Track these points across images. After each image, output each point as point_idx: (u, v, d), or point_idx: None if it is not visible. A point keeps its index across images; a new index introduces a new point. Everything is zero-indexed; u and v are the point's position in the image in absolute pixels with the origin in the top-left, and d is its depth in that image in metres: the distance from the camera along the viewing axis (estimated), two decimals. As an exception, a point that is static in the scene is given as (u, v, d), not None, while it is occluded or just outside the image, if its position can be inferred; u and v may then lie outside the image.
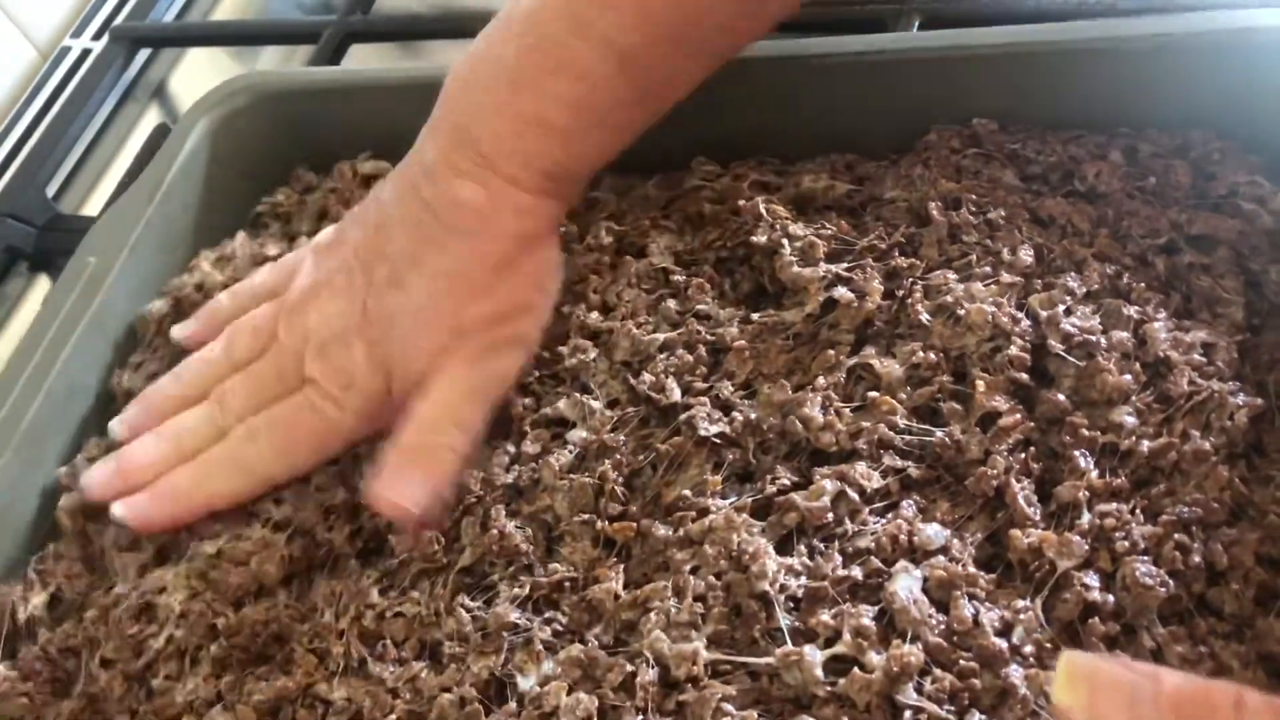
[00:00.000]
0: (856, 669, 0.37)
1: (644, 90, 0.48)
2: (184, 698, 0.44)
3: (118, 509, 0.48)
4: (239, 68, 0.61)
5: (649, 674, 0.39)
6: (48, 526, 0.52)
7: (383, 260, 0.48)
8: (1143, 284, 0.45)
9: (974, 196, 0.48)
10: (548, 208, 0.49)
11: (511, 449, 0.47)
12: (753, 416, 0.44)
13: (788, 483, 0.42)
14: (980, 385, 0.42)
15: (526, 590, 0.42)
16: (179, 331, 0.55)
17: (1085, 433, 0.41)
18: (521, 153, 0.47)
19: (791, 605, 0.39)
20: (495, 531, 0.44)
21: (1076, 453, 0.40)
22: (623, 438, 0.45)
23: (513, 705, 0.40)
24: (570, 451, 0.46)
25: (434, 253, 0.48)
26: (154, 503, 0.48)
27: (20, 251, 0.72)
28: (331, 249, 0.52)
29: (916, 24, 0.64)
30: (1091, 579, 0.37)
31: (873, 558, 0.39)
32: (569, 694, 0.39)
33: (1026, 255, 0.46)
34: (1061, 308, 0.44)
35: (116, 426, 0.52)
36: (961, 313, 0.44)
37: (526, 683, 0.40)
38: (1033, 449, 0.41)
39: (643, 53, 0.46)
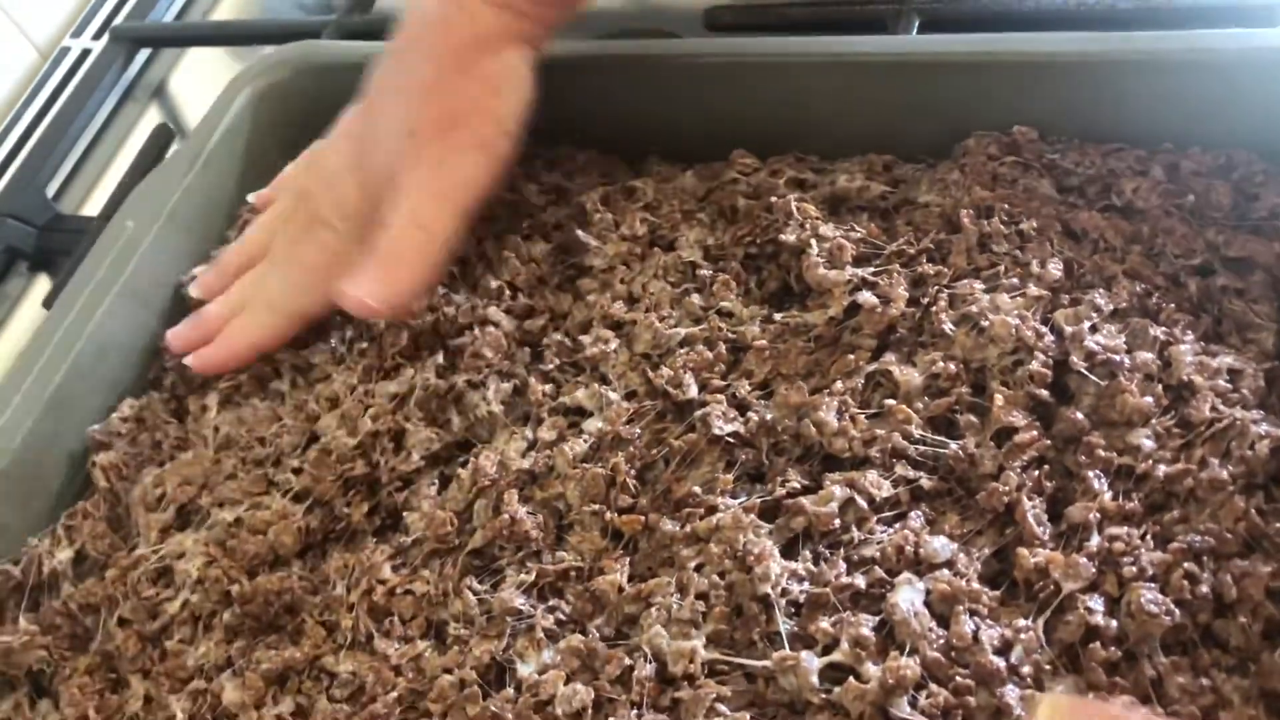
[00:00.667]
0: (852, 678, 0.37)
1: None
2: (195, 661, 0.45)
3: (190, 359, 0.54)
4: (239, 67, 0.62)
5: (646, 669, 0.39)
6: (78, 484, 0.53)
7: (367, 104, 0.53)
8: (1172, 305, 0.44)
9: (1007, 206, 0.48)
10: (506, 18, 0.50)
11: (529, 434, 0.48)
12: (768, 417, 0.44)
13: (798, 486, 0.42)
14: (999, 399, 0.42)
15: (533, 577, 0.43)
16: (195, 288, 0.57)
17: (1101, 453, 0.40)
18: None
19: (792, 610, 0.39)
20: (507, 516, 0.44)
21: (1091, 473, 0.40)
22: (638, 430, 0.45)
23: (510, 691, 0.40)
24: (585, 441, 0.46)
25: (396, 69, 0.52)
26: (214, 349, 0.54)
27: (20, 251, 0.73)
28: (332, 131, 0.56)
29: (916, 24, 0.64)
30: (1096, 602, 0.37)
31: (877, 567, 0.39)
32: (566, 683, 0.39)
33: (1056, 269, 0.45)
34: (1087, 324, 0.43)
35: (193, 288, 0.57)
36: (985, 324, 0.44)
37: (526, 669, 0.40)
38: (1047, 467, 0.41)
39: None
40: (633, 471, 0.44)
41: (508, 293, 0.52)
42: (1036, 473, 0.41)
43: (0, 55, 0.86)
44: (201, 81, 0.85)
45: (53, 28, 0.89)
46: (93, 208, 0.77)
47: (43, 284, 0.73)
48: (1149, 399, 0.41)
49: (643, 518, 0.43)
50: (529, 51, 0.52)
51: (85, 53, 0.87)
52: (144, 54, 0.86)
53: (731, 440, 0.44)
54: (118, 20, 0.88)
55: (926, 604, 0.38)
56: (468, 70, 0.50)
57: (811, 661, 0.37)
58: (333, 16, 0.80)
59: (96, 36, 0.88)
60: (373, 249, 0.49)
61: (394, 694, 0.41)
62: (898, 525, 0.40)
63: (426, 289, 0.50)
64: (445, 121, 0.49)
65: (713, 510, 0.42)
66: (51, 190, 0.78)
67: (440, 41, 0.50)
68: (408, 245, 0.49)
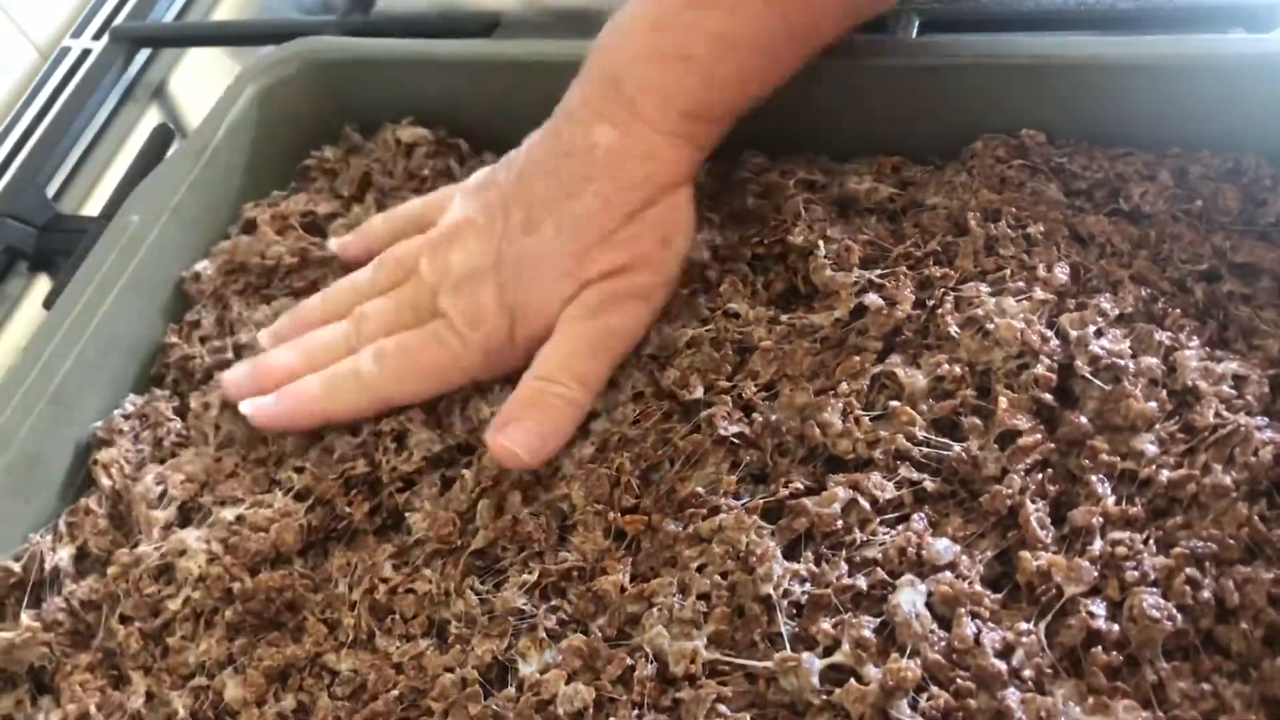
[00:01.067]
0: (853, 680, 0.37)
1: (789, 24, 0.47)
2: (196, 658, 0.45)
3: (246, 406, 0.51)
4: (239, 68, 0.62)
5: (648, 669, 0.39)
6: (81, 479, 0.53)
7: (521, 205, 0.49)
8: (1178, 310, 0.44)
9: (1014, 209, 0.48)
10: (683, 153, 0.48)
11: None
12: (773, 418, 0.44)
13: (801, 487, 0.42)
14: (1003, 402, 0.42)
15: (535, 577, 0.43)
16: (335, 243, 0.57)
17: (1105, 457, 0.40)
18: (661, 90, 0.47)
19: (794, 611, 0.39)
20: (510, 517, 0.44)
21: (1094, 477, 0.40)
22: (643, 431, 0.45)
23: (512, 690, 0.40)
24: (591, 443, 0.46)
25: (566, 198, 0.48)
26: (278, 404, 0.50)
27: (20, 251, 0.73)
28: (479, 191, 0.53)
29: (916, 24, 0.64)
30: (1098, 607, 0.37)
31: (879, 569, 0.39)
32: (567, 683, 0.39)
33: (1062, 273, 0.45)
34: (1092, 329, 0.43)
35: (264, 337, 0.54)
36: (991, 327, 0.43)
37: (527, 668, 0.40)
38: (1050, 470, 0.41)
39: None
40: (637, 472, 0.44)
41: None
42: (1040, 476, 0.41)
43: (0, 55, 0.85)
44: (201, 81, 0.84)
45: (53, 28, 0.89)
46: (93, 208, 0.76)
47: (43, 284, 0.73)
48: (1153, 404, 0.41)
49: (646, 518, 0.43)
50: (692, 189, 0.50)
51: (85, 53, 0.86)
52: (144, 54, 0.86)
53: (736, 441, 0.44)
54: (118, 20, 0.88)
55: (928, 606, 0.38)
56: (639, 215, 0.48)
57: (812, 663, 0.37)
58: (333, 17, 0.81)
59: (96, 36, 0.88)
60: (523, 397, 0.47)
61: (395, 692, 0.41)
62: (900, 527, 0.40)
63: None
64: (615, 270, 0.48)
65: (716, 511, 0.42)
66: (51, 190, 0.78)
67: (617, 183, 0.47)
68: (561, 398, 0.46)
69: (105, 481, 0.52)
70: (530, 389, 0.47)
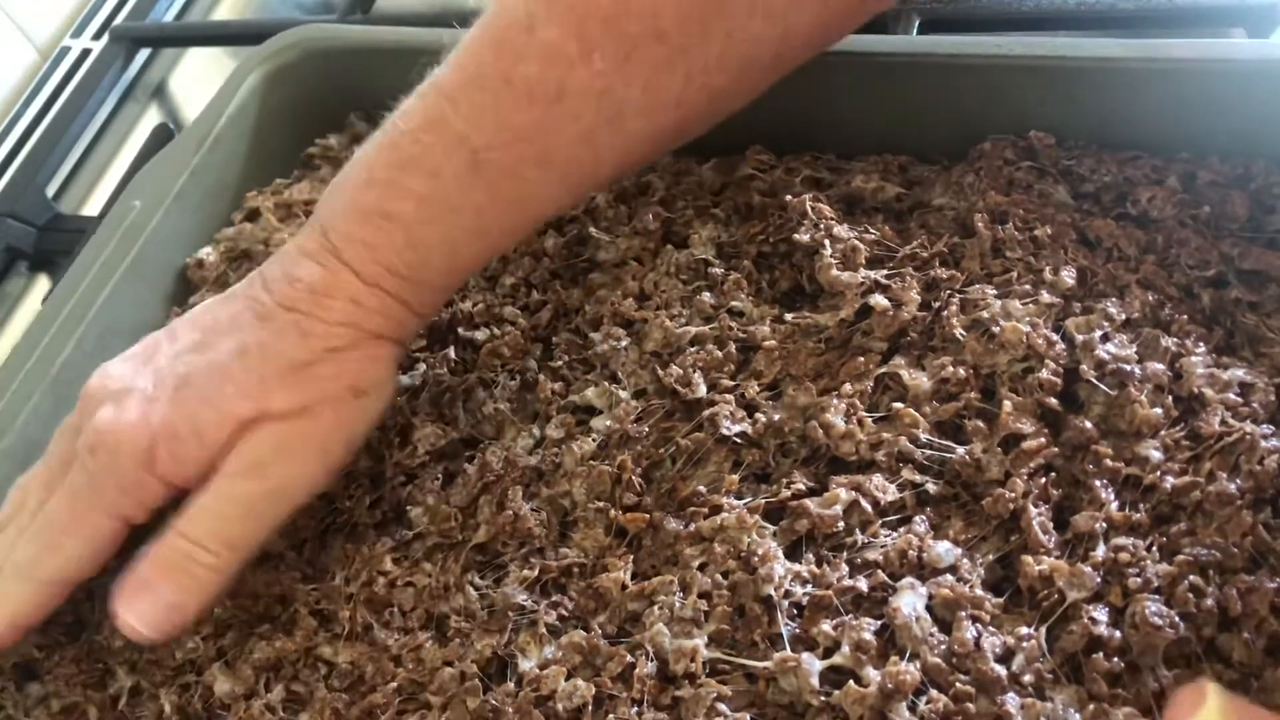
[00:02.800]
0: (852, 682, 0.37)
1: (497, 195, 0.44)
2: (184, 654, 0.45)
3: None
4: None
5: (648, 666, 0.39)
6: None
7: (197, 329, 0.45)
8: (1185, 316, 0.44)
9: (1021, 211, 0.47)
10: (391, 308, 0.45)
11: (537, 432, 0.48)
12: (775, 418, 0.44)
13: (803, 488, 0.42)
14: (1007, 406, 0.42)
15: (536, 573, 0.43)
16: None
17: (1109, 463, 0.40)
18: (365, 243, 0.44)
19: (795, 611, 0.39)
20: (510, 512, 0.44)
21: (1098, 482, 0.40)
22: (646, 429, 0.45)
23: (511, 685, 0.40)
24: (593, 440, 0.46)
25: (257, 320, 0.44)
26: None
27: (20, 251, 0.73)
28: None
29: (916, 24, 0.64)
30: (1100, 613, 0.37)
31: (880, 571, 0.39)
32: (567, 679, 0.39)
33: (1069, 276, 0.45)
34: (1098, 333, 0.43)
35: None
36: (996, 330, 0.43)
37: (527, 664, 0.40)
38: (1054, 475, 0.41)
39: (498, 154, 0.43)
40: (639, 470, 0.44)
41: (522, 289, 0.52)
42: (1043, 480, 0.40)
43: (0, 55, 0.85)
44: (201, 81, 0.84)
45: (53, 28, 0.89)
46: (93, 208, 0.77)
47: (42, 284, 0.73)
48: (1158, 410, 0.41)
49: (647, 516, 0.43)
50: (398, 350, 0.46)
51: (85, 53, 0.86)
52: (144, 54, 0.86)
53: (738, 440, 0.44)
54: (118, 20, 0.88)
55: (929, 609, 0.38)
56: (335, 355, 0.43)
57: (812, 664, 0.37)
58: (333, 17, 0.80)
59: (96, 36, 0.88)
60: (162, 557, 0.42)
61: (393, 684, 0.41)
62: (902, 529, 0.40)
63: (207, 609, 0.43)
64: (296, 410, 0.43)
65: (717, 510, 0.42)
66: (51, 190, 0.78)
67: (315, 322, 0.43)
68: (205, 566, 0.42)
69: None
70: (172, 550, 0.42)
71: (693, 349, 0.47)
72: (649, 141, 0.47)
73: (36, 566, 0.44)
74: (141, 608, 0.42)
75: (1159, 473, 0.40)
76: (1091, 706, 0.35)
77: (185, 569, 0.42)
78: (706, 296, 0.49)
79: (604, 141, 0.45)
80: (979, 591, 0.38)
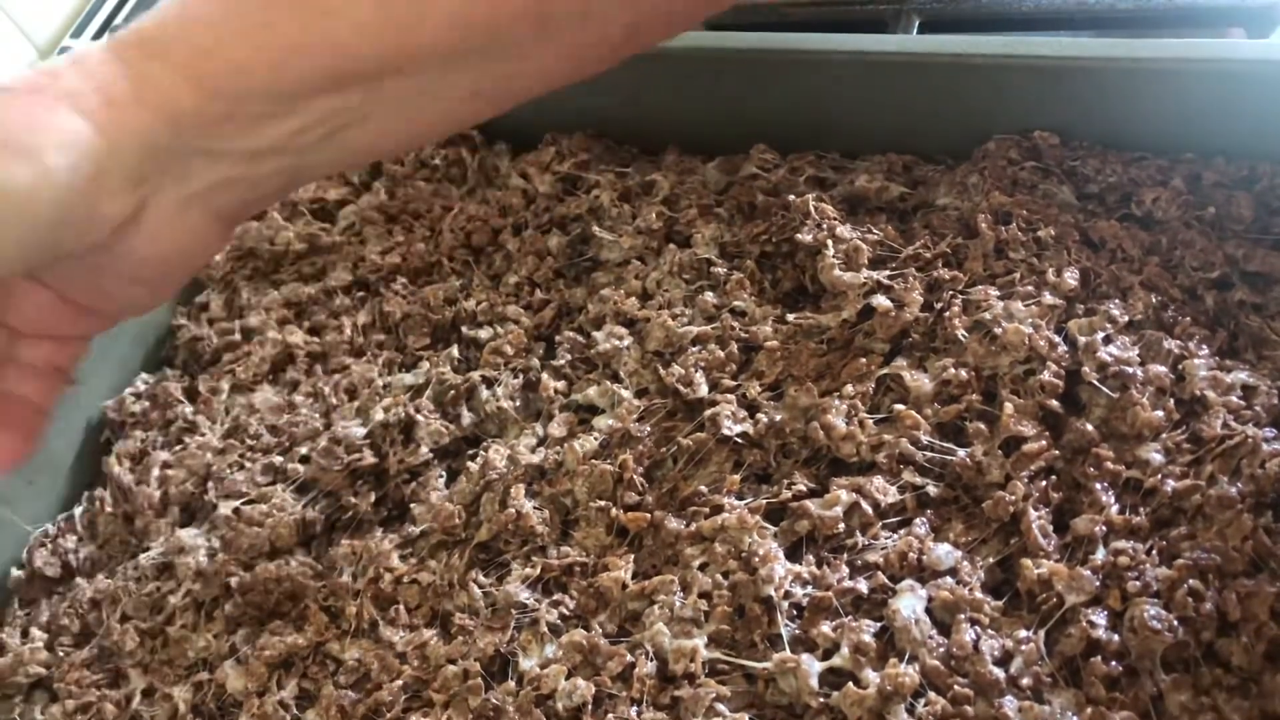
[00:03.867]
0: (851, 684, 0.37)
1: None
2: (196, 652, 0.45)
3: None
4: None
5: (648, 666, 0.39)
6: (86, 460, 0.53)
7: None
8: (1188, 318, 0.44)
9: (1025, 212, 0.47)
10: (94, 74, 0.35)
11: (540, 430, 0.48)
12: (776, 419, 0.44)
13: (804, 489, 0.42)
14: (1008, 408, 0.42)
15: (538, 571, 0.43)
16: None
17: (1110, 466, 0.40)
18: (130, 30, 0.36)
19: (794, 612, 0.39)
20: (513, 510, 0.44)
21: (1098, 485, 0.40)
22: (648, 428, 0.45)
23: (512, 684, 0.40)
24: (596, 438, 0.46)
25: None
26: None
27: None
28: None
29: (916, 24, 0.63)
30: (1099, 616, 0.37)
31: (880, 573, 0.39)
32: (567, 678, 0.39)
33: (1072, 278, 0.45)
34: (1101, 335, 0.43)
35: None
36: (999, 331, 0.43)
37: (528, 663, 0.41)
38: (1055, 477, 0.41)
39: None
40: (641, 469, 0.44)
41: (525, 288, 0.52)
42: (1044, 483, 0.40)
43: (0, 55, 0.85)
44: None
45: (53, 28, 0.89)
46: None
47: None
48: (1160, 413, 0.41)
49: (648, 515, 0.43)
50: (99, 141, 0.34)
51: (85, 53, 0.86)
52: (144, 54, 0.85)
53: (740, 441, 0.44)
54: (118, 20, 0.88)
55: (928, 611, 0.38)
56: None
57: (812, 665, 0.37)
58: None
59: (96, 36, 0.87)
60: None
61: (398, 681, 0.42)
62: (902, 531, 0.40)
63: None
64: None
65: (718, 510, 0.42)
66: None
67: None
68: None
69: (116, 470, 0.52)
70: None
71: (695, 349, 0.47)
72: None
73: None
74: None
75: (1160, 476, 0.39)
76: (1089, 710, 0.35)
77: None
78: (709, 296, 0.49)
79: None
80: (979, 594, 0.38)
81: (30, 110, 0.34)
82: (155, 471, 0.51)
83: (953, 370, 0.43)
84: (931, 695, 0.36)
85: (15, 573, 0.50)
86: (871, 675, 0.37)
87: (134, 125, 0.35)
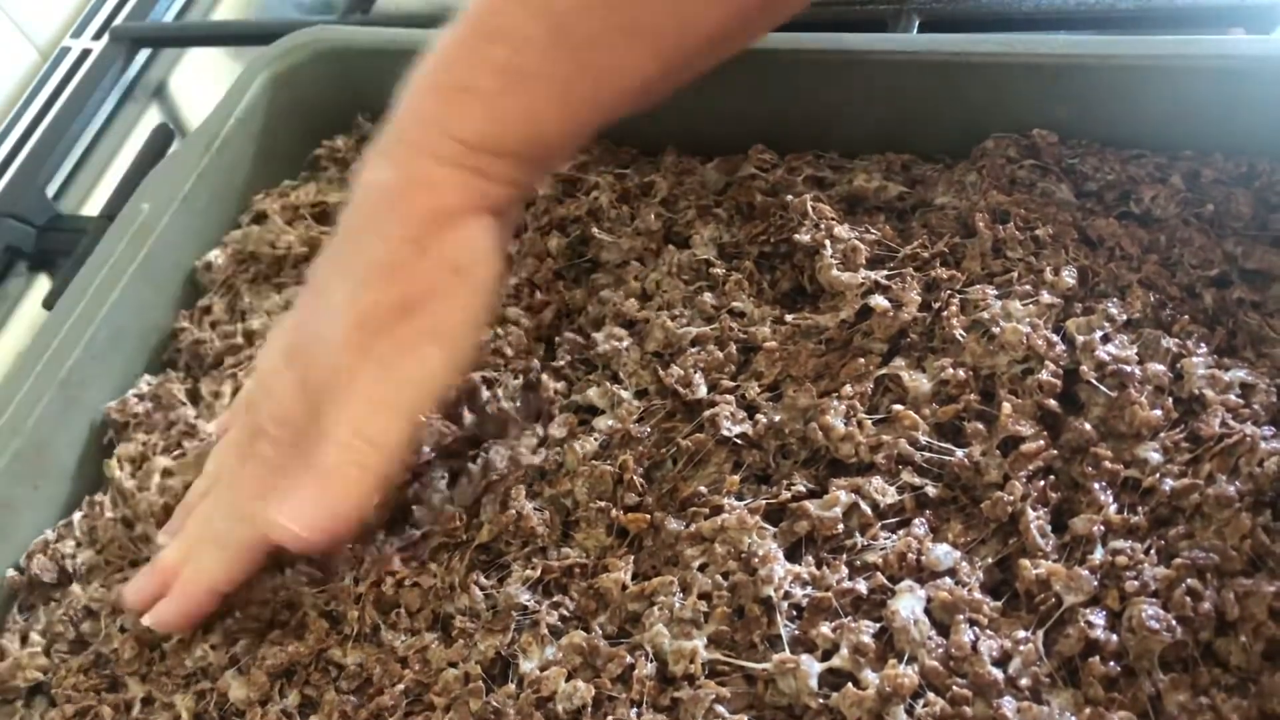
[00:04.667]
0: (851, 685, 0.37)
1: (582, 65, 0.43)
2: (195, 663, 0.45)
3: (148, 619, 0.45)
4: (239, 68, 0.62)
5: (647, 668, 0.39)
6: (89, 466, 0.53)
7: (314, 275, 0.46)
8: (1186, 316, 0.44)
9: (1023, 211, 0.47)
10: (470, 183, 0.43)
11: (541, 431, 0.48)
12: (776, 419, 0.44)
13: (803, 490, 0.42)
14: (1006, 408, 0.42)
15: (538, 572, 0.43)
16: (162, 536, 0.49)
17: (1108, 465, 0.40)
18: (438, 122, 0.43)
19: (794, 613, 0.39)
20: (514, 511, 0.45)
21: (1096, 485, 0.40)
22: (647, 429, 0.46)
23: (512, 686, 0.40)
24: (596, 439, 0.46)
25: (345, 250, 0.44)
26: (170, 604, 0.45)
27: (20, 251, 0.73)
28: None
29: (916, 24, 0.63)
30: (1097, 616, 0.37)
31: (879, 574, 0.39)
32: (567, 680, 0.40)
33: (1070, 277, 0.45)
34: (1099, 334, 0.43)
35: (161, 536, 0.49)
36: (996, 331, 0.43)
37: (528, 665, 0.41)
38: (1053, 477, 0.41)
39: (578, 20, 0.42)
40: (640, 470, 0.44)
41: (525, 290, 0.52)
42: (1042, 483, 0.40)
43: (0, 55, 0.85)
44: (201, 82, 0.85)
45: (53, 28, 0.89)
46: (93, 208, 0.77)
47: (42, 284, 0.73)
48: (1158, 411, 0.41)
49: (648, 516, 0.43)
50: (496, 221, 0.44)
51: (85, 53, 0.86)
52: (144, 54, 0.86)
53: (739, 441, 0.44)
54: (118, 20, 0.88)
55: (927, 612, 0.38)
56: (426, 249, 0.43)
57: (811, 666, 0.37)
58: (333, 17, 0.81)
59: (96, 36, 0.88)
60: (308, 466, 0.43)
61: (400, 686, 0.42)
62: (901, 532, 0.40)
63: (370, 510, 0.44)
64: (398, 311, 0.42)
65: (718, 511, 0.42)
66: (51, 190, 0.78)
67: (395, 216, 0.43)
68: (349, 462, 0.42)
69: (117, 474, 0.52)
70: (321, 461, 0.43)
71: (694, 349, 0.47)
72: (734, 15, 0.45)
73: (237, 534, 0.45)
74: (292, 511, 0.42)
75: (1158, 475, 0.39)
76: (1088, 710, 0.35)
77: (334, 476, 0.42)
78: (708, 297, 0.49)
79: (691, 10, 0.43)
80: (977, 595, 0.38)
81: (470, 227, 0.44)
82: (156, 478, 0.51)
83: (950, 370, 0.43)
84: (930, 696, 0.36)
85: (14, 575, 0.50)
86: (871, 676, 0.37)
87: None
